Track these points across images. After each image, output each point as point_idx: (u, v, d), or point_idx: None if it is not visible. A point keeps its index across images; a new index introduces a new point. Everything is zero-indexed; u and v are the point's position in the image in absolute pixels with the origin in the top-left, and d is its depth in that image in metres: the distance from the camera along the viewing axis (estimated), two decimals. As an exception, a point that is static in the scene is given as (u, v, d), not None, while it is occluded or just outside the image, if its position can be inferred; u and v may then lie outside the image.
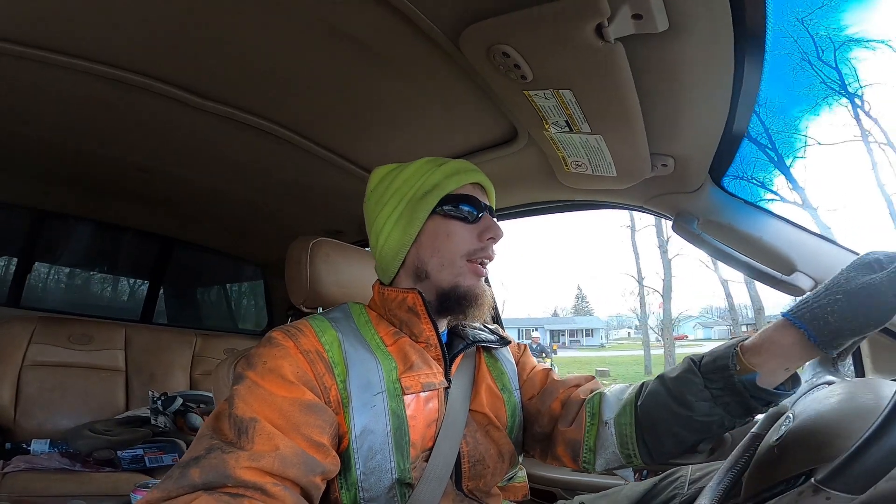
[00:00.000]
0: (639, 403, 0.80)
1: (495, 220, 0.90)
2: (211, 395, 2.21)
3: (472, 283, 0.84)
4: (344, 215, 1.87)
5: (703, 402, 0.70)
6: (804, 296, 0.63)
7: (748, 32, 0.72)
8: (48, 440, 1.84)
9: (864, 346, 1.05)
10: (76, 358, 2.10)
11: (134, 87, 1.13)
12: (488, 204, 0.89)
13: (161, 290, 2.75)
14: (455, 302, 0.84)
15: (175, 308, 2.94)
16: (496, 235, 0.86)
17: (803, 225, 1.11)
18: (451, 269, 0.83)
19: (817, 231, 1.10)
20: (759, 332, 0.68)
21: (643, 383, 0.83)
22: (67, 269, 2.67)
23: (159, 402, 2.01)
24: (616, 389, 0.88)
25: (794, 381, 0.68)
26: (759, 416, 0.68)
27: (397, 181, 0.88)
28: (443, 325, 0.91)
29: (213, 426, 0.65)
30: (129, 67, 1.08)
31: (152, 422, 1.95)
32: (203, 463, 0.60)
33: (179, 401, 2.04)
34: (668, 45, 0.74)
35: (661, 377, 0.79)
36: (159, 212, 2.20)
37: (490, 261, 0.87)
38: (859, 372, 1.09)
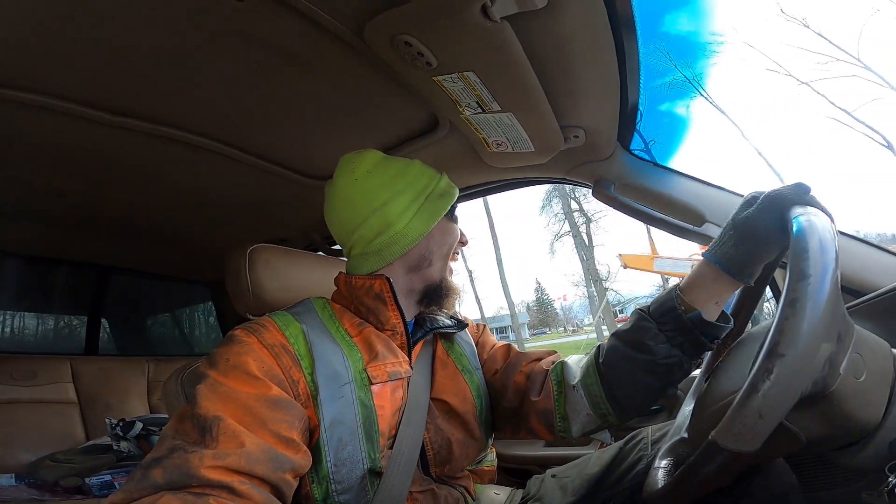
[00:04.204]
0: (600, 361, 0.85)
1: None
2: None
3: (450, 276, 0.95)
4: (286, 223, 1.82)
5: (661, 344, 0.78)
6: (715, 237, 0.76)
7: (618, 8, 0.79)
8: (13, 474, 1.77)
9: None
10: (22, 394, 2.04)
11: (47, 109, 1.08)
12: None
13: (104, 322, 2.65)
14: (444, 294, 0.92)
15: (122, 338, 2.83)
16: (465, 241, 0.98)
17: (707, 179, 1.21)
18: (443, 263, 0.92)
19: (720, 184, 1.20)
20: (688, 274, 0.79)
21: (599, 345, 0.89)
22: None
23: (118, 427, 1.96)
24: (575, 358, 0.94)
25: (724, 318, 0.79)
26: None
27: (409, 174, 0.90)
28: (411, 315, 0.93)
29: (176, 427, 0.64)
30: (42, 90, 1.03)
31: (115, 448, 1.90)
32: (165, 463, 0.58)
33: (139, 425, 1.99)
34: (551, 21, 0.80)
35: (615, 334, 0.86)
36: (93, 239, 2.10)
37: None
38: None
